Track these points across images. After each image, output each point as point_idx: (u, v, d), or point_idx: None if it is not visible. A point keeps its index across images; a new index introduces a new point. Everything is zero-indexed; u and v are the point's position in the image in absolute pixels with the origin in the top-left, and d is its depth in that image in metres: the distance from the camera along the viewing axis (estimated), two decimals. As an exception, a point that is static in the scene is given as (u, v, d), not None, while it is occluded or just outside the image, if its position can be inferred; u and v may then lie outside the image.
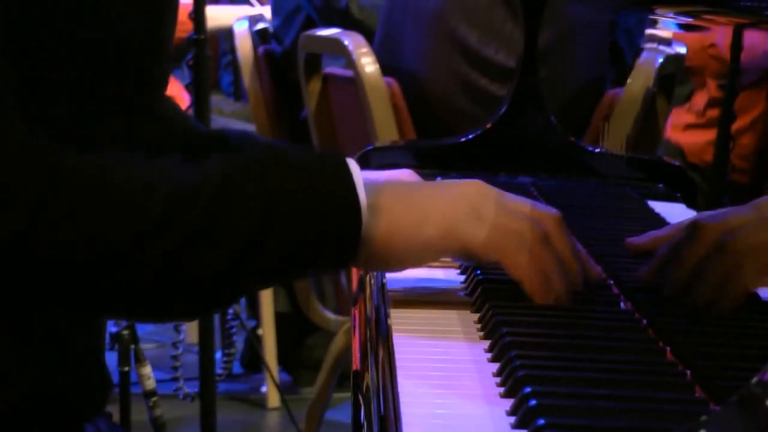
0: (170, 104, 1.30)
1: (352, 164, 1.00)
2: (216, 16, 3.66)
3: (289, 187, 0.97)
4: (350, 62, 2.45)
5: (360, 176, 0.99)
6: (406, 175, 1.18)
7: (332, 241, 0.98)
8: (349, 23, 2.93)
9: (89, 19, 1.03)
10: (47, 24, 1.02)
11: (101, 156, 0.97)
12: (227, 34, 3.78)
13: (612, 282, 1.09)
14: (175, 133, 1.26)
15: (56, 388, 1.11)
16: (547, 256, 1.02)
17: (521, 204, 1.04)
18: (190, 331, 3.51)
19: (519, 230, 1.01)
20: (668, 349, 0.90)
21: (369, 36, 2.56)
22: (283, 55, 3.26)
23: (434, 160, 1.60)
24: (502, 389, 0.82)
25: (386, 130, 2.43)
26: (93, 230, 0.94)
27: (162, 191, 0.96)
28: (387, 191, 1.01)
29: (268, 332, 3.42)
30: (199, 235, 0.95)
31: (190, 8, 2.49)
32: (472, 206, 1.01)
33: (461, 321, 1.00)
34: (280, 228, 0.96)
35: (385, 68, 2.47)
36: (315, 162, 1.00)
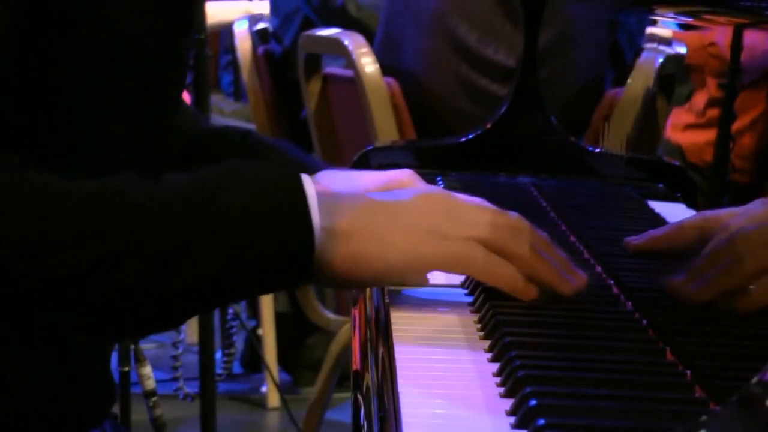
0: (181, 104, 1.30)
1: (308, 186, 0.99)
2: (215, 12, 3.66)
3: (241, 211, 0.96)
4: (350, 62, 2.45)
5: (315, 199, 0.98)
6: (406, 175, 1.17)
7: (286, 265, 0.97)
8: (346, 22, 2.93)
9: (87, 17, 1.03)
10: (44, 21, 1.02)
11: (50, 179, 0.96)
12: (227, 33, 3.78)
13: (612, 282, 1.09)
14: (179, 131, 1.26)
15: (56, 389, 1.10)
16: (519, 251, 1.01)
17: (481, 212, 1.03)
18: (190, 331, 3.51)
19: (482, 234, 1.01)
20: (668, 349, 0.90)
21: (367, 34, 2.56)
22: (283, 55, 3.26)
23: (434, 160, 1.60)
24: (502, 389, 0.82)
25: (386, 130, 2.43)
26: (34, 257, 0.93)
27: (116, 214, 0.94)
28: (346, 214, 1.00)
29: (268, 332, 3.42)
30: (157, 260, 0.94)
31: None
32: (433, 226, 1.00)
33: (461, 321, 1.00)
34: (234, 252, 0.95)
35: (385, 68, 2.47)
36: (270, 182, 0.99)
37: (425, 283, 1.07)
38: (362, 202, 1.03)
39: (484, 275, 1.01)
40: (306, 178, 1.00)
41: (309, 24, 3.13)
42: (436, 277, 1.12)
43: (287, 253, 0.97)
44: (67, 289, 0.94)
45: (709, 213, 1.13)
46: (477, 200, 1.05)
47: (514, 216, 1.04)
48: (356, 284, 1.03)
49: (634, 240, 1.17)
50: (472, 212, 1.03)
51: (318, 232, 0.97)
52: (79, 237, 0.93)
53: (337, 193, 1.03)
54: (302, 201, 0.98)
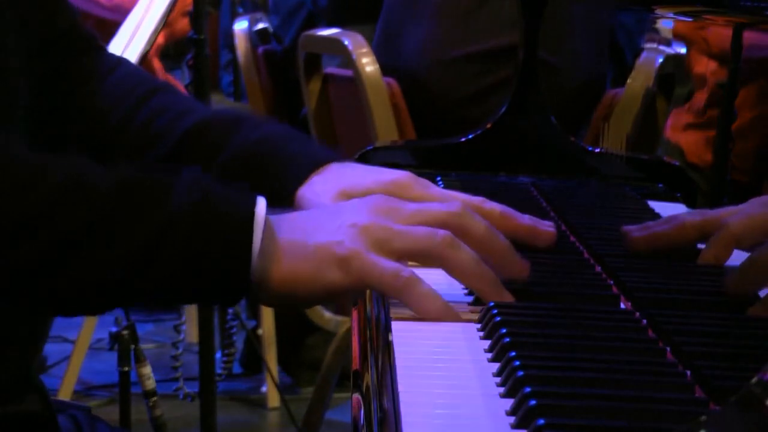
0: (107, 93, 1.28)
1: (260, 206, 0.98)
2: None
3: (185, 221, 0.96)
4: (350, 62, 2.45)
5: (263, 220, 0.98)
6: (405, 177, 1.17)
7: (220, 283, 0.97)
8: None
9: None
10: None
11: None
12: (227, 33, 3.78)
13: (612, 282, 1.09)
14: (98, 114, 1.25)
15: None
16: (459, 253, 1.01)
17: (426, 216, 1.03)
18: (190, 331, 3.51)
19: (420, 240, 1.00)
20: (668, 349, 0.90)
21: (365, 10, 2.55)
22: (283, 55, 3.26)
23: (434, 160, 1.59)
24: (502, 389, 0.82)
25: (386, 130, 2.43)
26: None
27: (49, 186, 0.94)
28: (285, 230, 1.00)
29: (268, 332, 3.42)
30: (75, 242, 0.94)
31: (190, 8, 2.49)
32: (373, 239, 1.00)
33: (461, 321, 1.00)
34: (164, 259, 0.95)
35: (384, 67, 2.47)
36: (223, 200, 0.99)
37: None
38: (305, 219, 1.02)
39: (413, 305, 1.00)
40: (260, 201, 0.99)
41: (310, 23, 3.13)
42: (437, 276, 1.12)
43: (222, 271, 0.97)
44: None
45: (709, 213, 1.13)
46: (431, 192, 1.05)
47: (456, 205, 1.04)
48: (298, 303, 1.02)
49: (635, 232, 1.16)
50: (412, 208, 1.03)
51: (256, 256, 0.97)
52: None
53: (288, 212, 1.03)
54: (248, 226, 0.97)
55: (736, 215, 1.07)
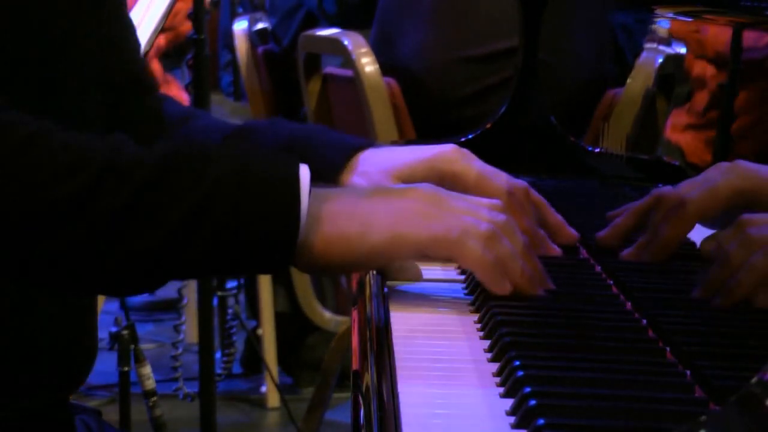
0: (150, 112, 1.31)
1: (304, 171, 0.99)
2: None
3: (229, 184, 0.97)
4: (350, 62, 2.45)
5: (308, 185, 0.98)
6: (448, 149, 1.18)
7: (267, 246, 0.97)
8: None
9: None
10: None
11: (43, 121, 0.97)
12: (227, 33, 3.78)
13: (612, 282, 1.10)
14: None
15: (25, 343, 1.11)
16: (499, 246, 1.01)
17: (470, 206, 1.04)
18: (190, 331, 3.51)
19: (466, 222, 1.01)
20: (668, 349, 0.91)
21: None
22: (283, 54, 3.26)
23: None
24: (502, 389, 0.82)
25: (386, 130, 2.44)
26: (13, 189, 0.93)
27: (97, 164, 0.95)
28: (332, 199, 1.01)
29: (268, 332, 3.42)
30: (125, 216, 0.94)
31: (190, 8, 2.49)
32: (418, 210, 1.01)
33: (461, 321, 1.00)
34: (212, 223, 0.95)
35: (384, 68, 2.47)
36: (266, 163, 0.99)
37: (419, 276, 1.07)
38: (351, 191, 1.03)
39: (464, 259, 1.01)
40: (303, 166, 1.00)
41: (310, 22, 3.13)
42: (435, 273, 1.12)
43: (270, 233, 0.97)
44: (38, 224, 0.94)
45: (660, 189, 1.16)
46: (476, 198, 1.05)
47: (502, 218, 1.04)
48: (337, 268, 1.03)
49: (601, 233, 1.19)
50: (462, 204, 1.03)
51: (304, 217, 0.97)
52: (54, 175, 0.94)
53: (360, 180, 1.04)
54: (294, 187, 0.98)
55: (693, 190, 1.09)
